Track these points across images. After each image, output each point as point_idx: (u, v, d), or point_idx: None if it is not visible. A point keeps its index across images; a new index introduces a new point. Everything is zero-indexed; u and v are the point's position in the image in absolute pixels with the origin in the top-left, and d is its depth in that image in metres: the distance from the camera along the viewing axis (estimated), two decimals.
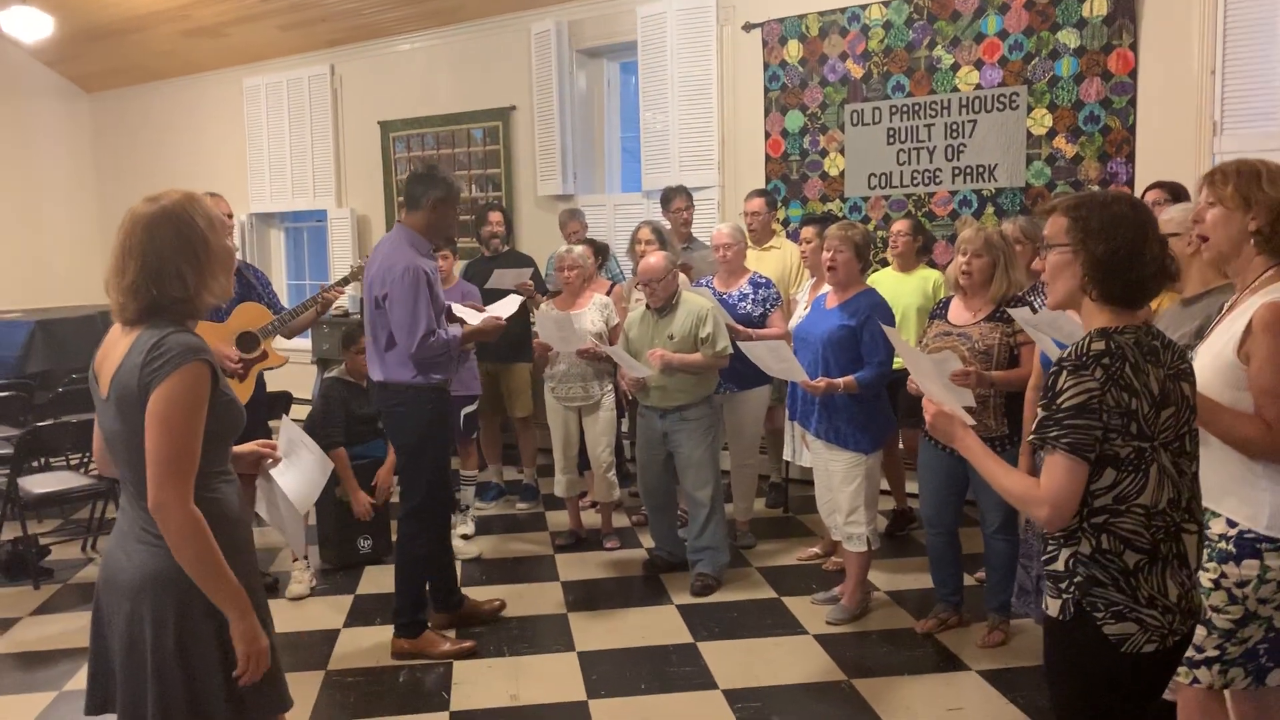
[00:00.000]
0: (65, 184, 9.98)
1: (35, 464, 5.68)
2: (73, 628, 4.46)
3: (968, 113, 5.78)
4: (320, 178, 8.63)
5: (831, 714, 3.58)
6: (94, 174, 10.21)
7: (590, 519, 5.62)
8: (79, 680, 3.65)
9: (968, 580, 4.46)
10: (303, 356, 7.37)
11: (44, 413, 5.84)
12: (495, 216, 6.20)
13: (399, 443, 4.14)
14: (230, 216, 4.75)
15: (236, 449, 2.42)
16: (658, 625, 4.39)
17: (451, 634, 4.27)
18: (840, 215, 6.18)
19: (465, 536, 5.55)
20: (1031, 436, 2.02)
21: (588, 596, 4.76)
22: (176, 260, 2.08)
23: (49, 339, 7.98)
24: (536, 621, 4.46)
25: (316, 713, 3.67)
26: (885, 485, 5.55)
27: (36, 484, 5.17)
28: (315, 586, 4.88)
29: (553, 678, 3.90)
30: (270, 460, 2.48)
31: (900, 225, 5.24)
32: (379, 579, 5.05)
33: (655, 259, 4.74)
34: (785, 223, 6.42)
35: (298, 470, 2.59)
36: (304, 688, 3.84)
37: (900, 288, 5.07)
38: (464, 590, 4.81)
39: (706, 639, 4.22)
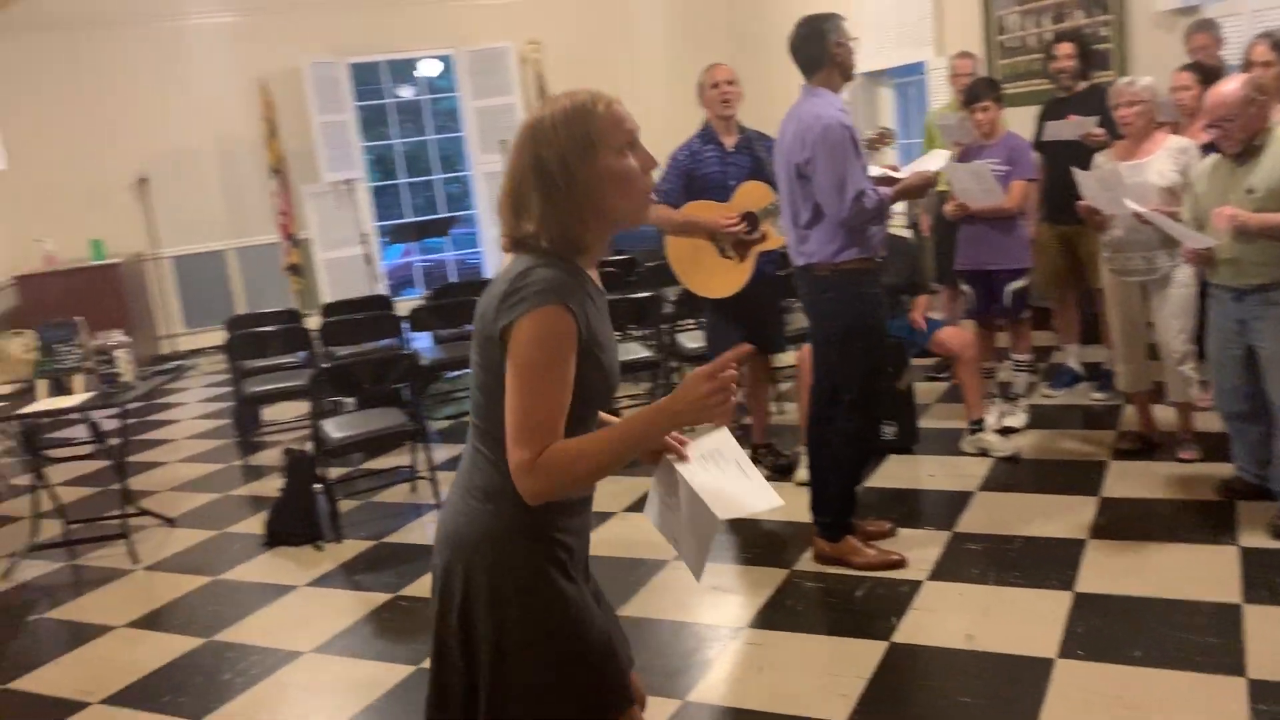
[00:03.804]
0: (661, 68, 10.30)
1: None
2: None
3: None
4: (920, 25, 7.98)
5: None
6: (685, 47, 9.95)
7: (1169, 418, 4.52)
8: None
9: None
10: None
11: None
12: (1064, 48, 5.10)
13: (828, 333, 3.69)
14: (728, 84, 4.47)
15: None
16: (1200, 572, 3.38)
17: (886, 542, 3.86)
18: None
19: (1008, 430, 4.85)
20: None
21: (1124, 520, 3.85)
22: (528, 186, 1.72)
23: None
24: (1042, 546, 3.72)
25: (760, 615, 3.48)
26: None
27: None
28: None
29: (1028, 621, 3.22)
30: (674, 455, 1.85)
31: None
32: (898, 471, 4.65)
33: (1230, 87, 3.49)
34: None
35: (720, 477, 1.84)
36: (760, 585, 3.69)
37: None
38: (982, 493, 4.26)
39: (1264, 601, 3.14)
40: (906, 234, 7.08)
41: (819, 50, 3.54)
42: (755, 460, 4.81)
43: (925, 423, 5.16)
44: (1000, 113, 4.85)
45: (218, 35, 9.40)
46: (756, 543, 4.10)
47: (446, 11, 9.96)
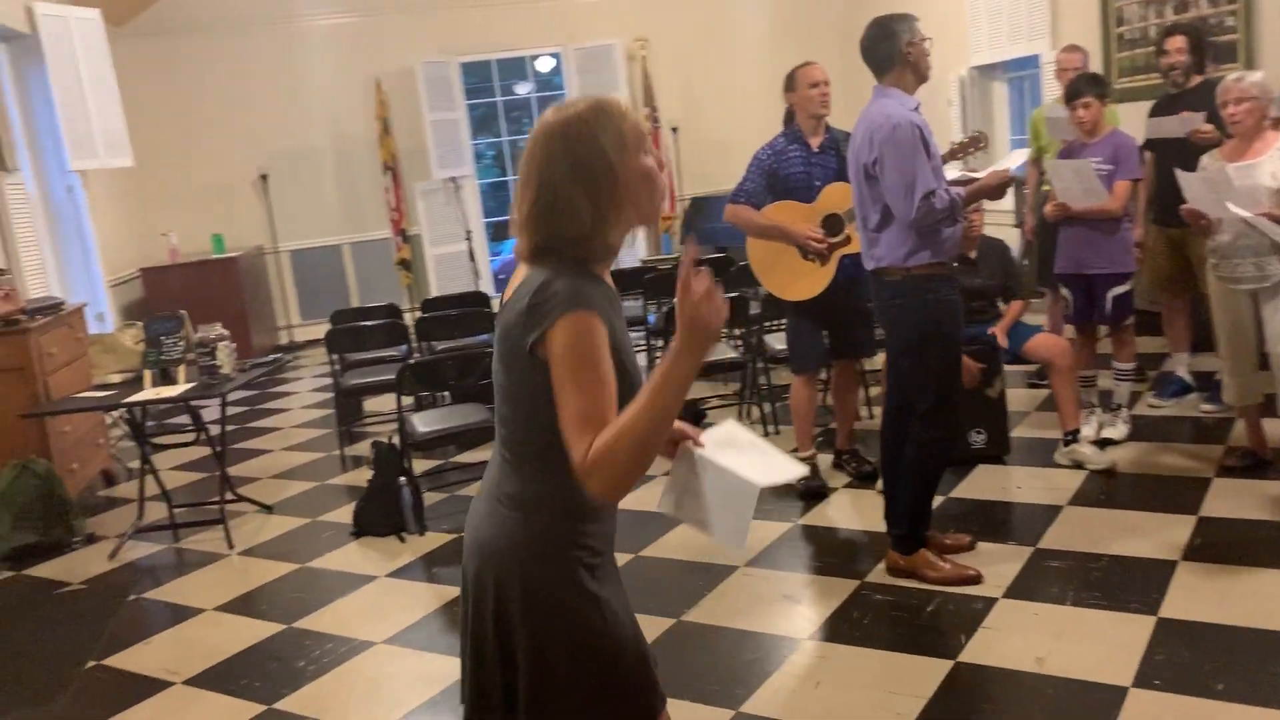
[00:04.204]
0: (766, 66, 9.88)
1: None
2: None
3: None
4: (1035, 16, 7.69)
5: None
6: (789, 45, 9.37)
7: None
8: None
9: None
10: None
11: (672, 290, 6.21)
12: (1175, 42, 4.84)
13: (900, 340, 3.59)
14: (826, 84, 4.40)
15: None
16: None
17: (964, 556, 3.74)
18: None
19: (1106, 442, 4.64)
20: None
21: (1221, 542, 3.64)
22: (571, 189, 1.69)
23: None
24: (1129, 566, 3.54)
25: (825, 627, 3.41)
26: None
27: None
28: None
29: (1104, 645, 3.07)
30: (691, 442, 1.90)
31: None
32: (985, 482, 4.50)
33: None
34: None
35: (740, 457, 1.90)
36: (829, 595, 3.62)
37: None
38: (1071, 508, 4.09)
39: None
40: (1013, 234, 6.86)
41: (890, 50, 3.45)
42: (838, 467, 4.75)
43: (1019, 432, 4.98)
44: (1103, 110, 4.62)
45: (335, 36, 9.71)
46: (830, 552, 4.02)
47: (556, 10, 10.06)
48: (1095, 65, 6.98)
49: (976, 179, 3.58)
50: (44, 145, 7.48)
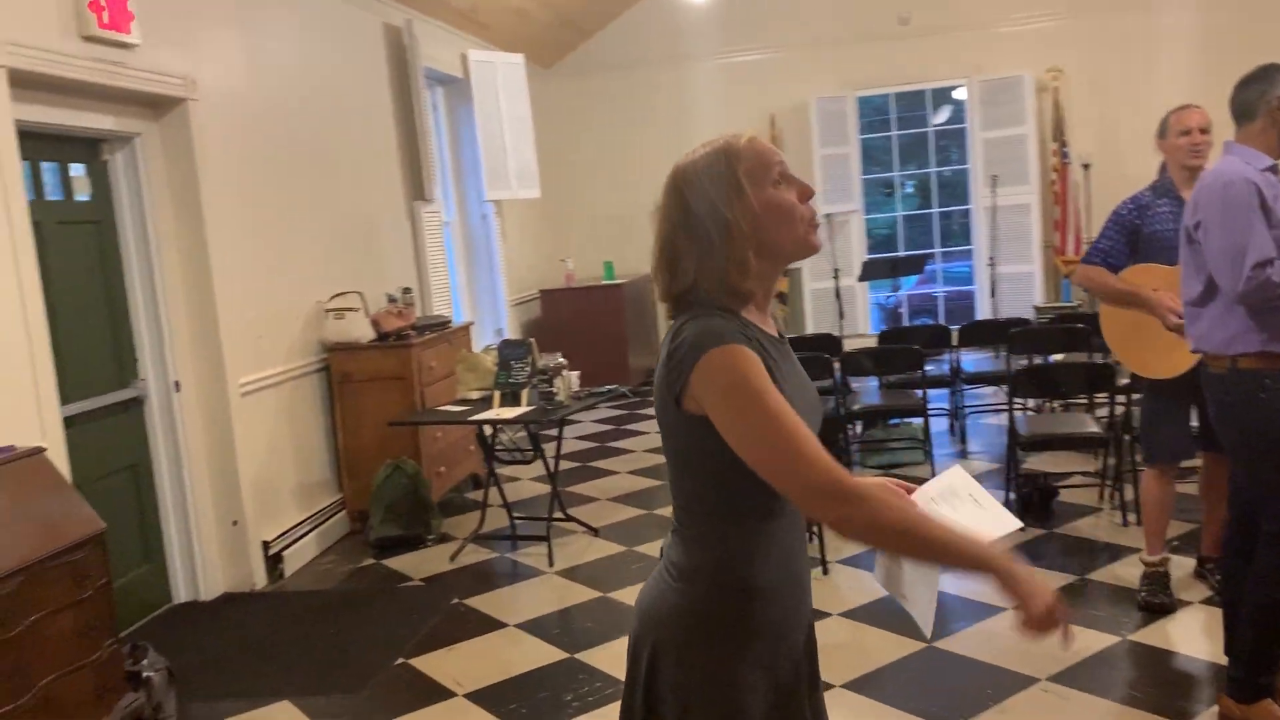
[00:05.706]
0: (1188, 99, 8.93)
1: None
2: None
3: None
4: None
5: None
6: (1213, 78, 8.80)
7: None
8: None
9: None
10: None
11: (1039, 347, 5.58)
12: None
13: (1231, 442, 2.95)
14: (1202, 132, 3.83)
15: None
16: None
17: None
18: None
19: None
20: None
21: None
22: (681, 239, 1.65)
23: None
24: None
25: None
26: None
27: (1038, 424, 5.07)
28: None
29: None
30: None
31: None
32: None
33: None
34: None
35: (950, 515, 1.75)
36: None
37: None
38: None
39: None
40: None
41: (1256, 96, 2.91)
42: (1199, 576, 4.07)
43: None
44: None
45: (733, 73, 9.96)
46: (1156, 680, 3.42)
47: (962, 41, 9.60)
48: None
49: None
50: (467, 177, 8.41)
